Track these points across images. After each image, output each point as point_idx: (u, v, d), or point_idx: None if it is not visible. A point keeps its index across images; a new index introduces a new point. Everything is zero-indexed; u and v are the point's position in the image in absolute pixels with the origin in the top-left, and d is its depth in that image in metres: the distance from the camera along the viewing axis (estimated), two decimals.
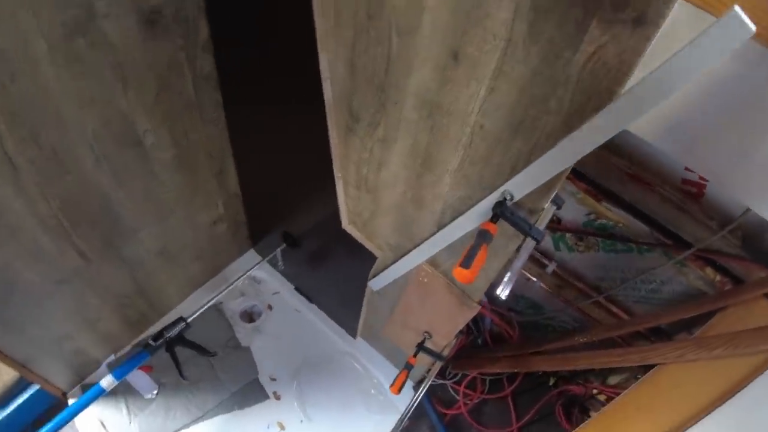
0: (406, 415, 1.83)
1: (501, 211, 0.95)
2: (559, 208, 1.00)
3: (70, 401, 2.03)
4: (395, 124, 1.13)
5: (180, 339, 1.83)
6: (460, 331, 2.43)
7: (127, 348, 2.14)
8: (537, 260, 2.14)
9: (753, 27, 0.60)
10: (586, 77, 0.76)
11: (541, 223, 0.98)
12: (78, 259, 1.59)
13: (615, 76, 0.74)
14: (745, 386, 1.44)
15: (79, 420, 1.97)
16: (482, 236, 0.93)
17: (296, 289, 2.65)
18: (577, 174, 1.74)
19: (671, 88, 0.68)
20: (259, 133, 1.79)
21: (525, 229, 0.95)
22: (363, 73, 1.10)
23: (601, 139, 0.80)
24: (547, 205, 0.99)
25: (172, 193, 1.79)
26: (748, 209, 1.45)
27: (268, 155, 1.86)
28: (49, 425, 1.63)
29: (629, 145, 1.61)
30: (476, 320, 2.55)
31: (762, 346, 1.33)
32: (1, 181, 1.23)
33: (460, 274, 0.88)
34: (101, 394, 1.70)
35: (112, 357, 2.11)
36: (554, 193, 0.96)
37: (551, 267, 2.09)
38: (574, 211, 1.89)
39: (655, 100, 0.70)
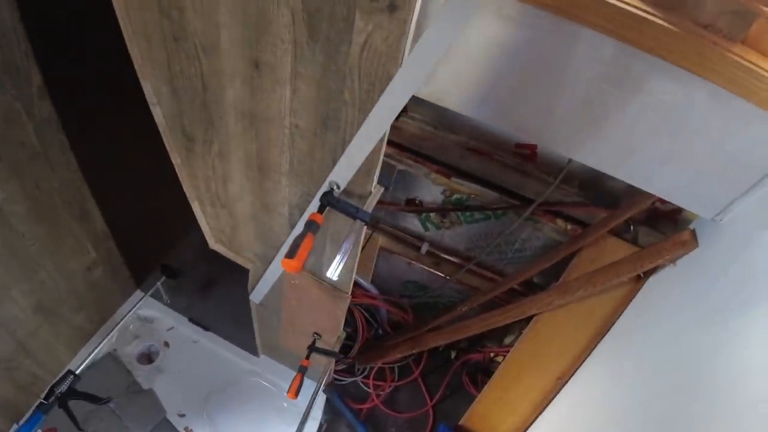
0: (307, 415, 1.86)
1: (327, 201, 1.02)
2: (387, 189, 1.08)
3: None
4: (226, 138, 1.17)
5: (72, 392, 1.76)
6: (358, 327, 2.52)
7: (27, 415, 2.02)
8: (411, 244, 2.25)
9: None
10: (364, 65, 0.85)
11: (369, 206, 1.06)
12: None
13: (387, 60, 0.82)
14: (616, 320, 1.61)
15: None
16: (308, 226, 1.00)
17: (190, 320, 2.61)
18: (425, 157, 1.85)
19: (431, 57, 0.77)
20: (113, 169, 1.76)
21: (352, 213, 1.02)
22: (185, 94, 1.13)
23: (393, 116, 0.89)
24: (374, 188, 1.08)
25: (35, 246, 1.74)
26: (570, 159, 1.62)
27: (128, 189, 1.83)
28: None
29: (463, 122, 1.74)
30: (372, 313, 2.63)
31: (615, 279, 1.47)
32: None
33: (286, 264, 0.93)
34: None
35: (15, 426, 1.99)
36: (375, 176, 1.05)
37: (425, 247, 2.21)
38: (431, 192, 2.02)
39: (422, 70, 0.79)
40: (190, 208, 1.51)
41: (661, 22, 0.89)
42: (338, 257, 1.03)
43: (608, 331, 1.65)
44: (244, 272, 1.70)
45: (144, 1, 0.99)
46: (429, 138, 1.77)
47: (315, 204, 1.11)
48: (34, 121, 1.52)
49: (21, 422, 2.00)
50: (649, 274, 1.50)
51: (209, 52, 1.00)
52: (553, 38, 1.07)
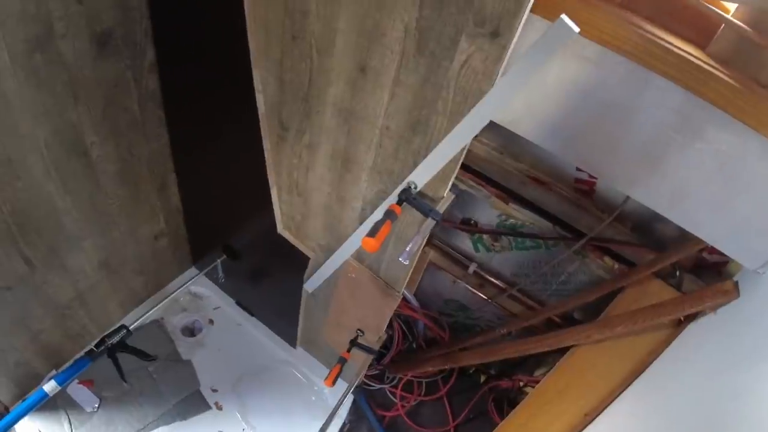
0: (337, 408, 1.96)
1: (406, 197, 1.14)
2: (457, 197, 1.19)
3: None
4: (318, 131, 1.31)
5: (122, 345, 1.89)
6: (394, 337, 2.60)
7: (70, 363, 2.18)
8: (459, 262, 2.34)
9: (576, 29, 0.81)
10: (461, 81, 0.96)
11: (442, 208, 1.17)
12: (23, 265, 1.67)
13: (483, 79, 0.94)
14: (652, 362, 1.65)
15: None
16: (388, 214, 1.11)
17: (237, 303, 2.75)
18: (487, 180, 1.95)
19: (521, 82, 0.88)
20: (199, 149, 1.92)
21: (425, 211, 1.14)
22: (290, 87, 1.27)
23: (478, 128, 1.00)
24: (446, 193, 1.19)
25: (115, 205, 1.90)
26: (628, 197, 1.69)
27: (208, 170, 1.99)
28: None
29: (527, 151, 1.84)
30: (410, 325, 2.71)
31: (656, 320, 1.52)
32: None
33: (366, 243, 1.05)
34: (44, 399, 1.74)
35: (53, 371, 2.14)
36: (450, 182, 1.16)
37: (472, 267, 2.29)
38: (487, 214, 2.11)
39: (511, 93, 0.90)
40: (267, 193, 1.64)
41: (725, 77, 0.99)
42: (411, 243, 1.14)
43: (643, 372, 1.69)
44: (303, 261, 1.83)
45: (273, 5, 1.14)
46: (493, 162, 1.88)
47: (391, 199, 1.23)
48: (140, 91, 1.69)
49: (60, 370, 2.14)
50: (689, 319, 1.54)
51: (322, 53, 1.13)
52: (627, 81, 1.17)
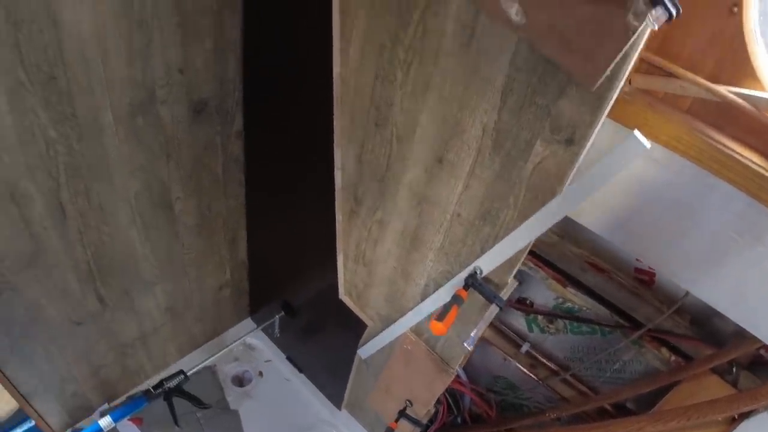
0: None
1: (472, 282, 1.19)
2: (520, 283, 1.24)
3: None
4: (391, 210, 1.39)
5: (179, 390, 1.97)
6: (439, 409, 2.59)
7: (122, 398, 2.27)
8: (512, 340, 2.34)
9: (648, 145, 0.87)
10: (534, 181, 1.03)
11: (505, 295, 1.22)
12: (97, 303, 1.80)
13: (554, 181, 1.00)
14: None
15: None
16: (455, 299, 1.16)
17: (288, 358, 2.81)
18: (546, 262, 1.99)
19: (592, 189, 0.94)
20: (273, 210, 2.04)
21: (490, 297, 1.18)
22: (368, 167, 1.37)
23: (547, 226, 1.06)
24: (510, 279, 1.24)
25: (189, 256, 2.03)
26: (687, 292, 1.69)
27: (278, 230, 2.10)
28: None
29: (588, 238, 1.87)
30: (456, 399, 2.70)
31: (710, 416, 1.49)
32: (50, 225, 1.47)
33: (435, 326, 1.10)
34: None
35: (105, 405, 2.23)
36: (515, 270, 1.21)
37: (525, 347, 2.29)
38: (544, 296, 2.13)
39: (582, 197, 0.96)
40: (333, 258, 1.73)
41: None
42: (476, 330, 1.18)
43: None
44: (359, 328, 1.88)
45: (360, 91, 1.25)
46: (553, 245, 1.92)
47: (456, 282, 1.29)
48: (226, 155, 1.83)
49: (112, 404, 2.22)
50: (743, 417, 1.51)
51: (402, 141, 1.23)
52: (692, 184, 1.21)
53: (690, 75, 1.18)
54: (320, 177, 1.53)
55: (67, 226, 1.51)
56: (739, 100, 1.15)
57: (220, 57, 1.57)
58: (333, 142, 1.40)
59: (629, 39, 0.77)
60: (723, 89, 1.16)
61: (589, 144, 0.95)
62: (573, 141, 0.94)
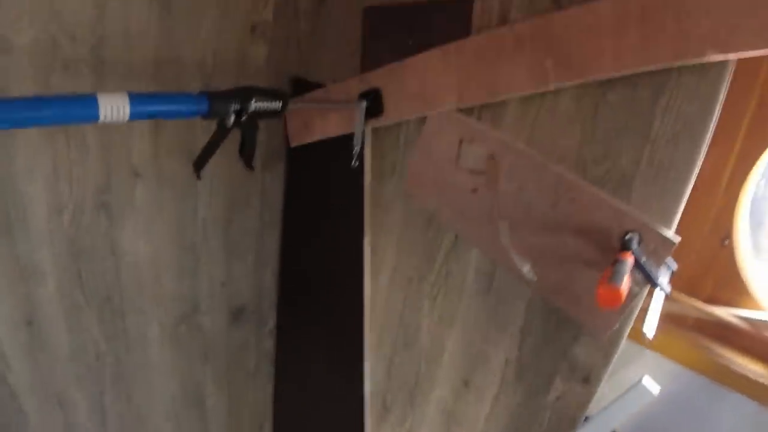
0: None
1: None
2: None
3: None
4: (420, 422, 1.46)
5: None
6: None
7: None
8: None
9: (656, 391, 0.97)
10: (555, 413, 1.12)
11: None
12: None
13: (573, 418, 1.09)
14: None
15: None
16: None
17: None
18: None
19: (605, 428, 1.03)
20: (298, 402, 2.09)
21: None
22: (397, 381, 1.46)
23: None
24: None
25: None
26: None
27: (302, 422, 2.13)
28: None
29: None
30: None
31: None
32: (91, 428, 1.54)
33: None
34: None
35: None
36: None
37: None
38: None
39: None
40: None
41: None
42: None
43: None
44: None
45: (390, 314, 1.39)
46: None
47: None
48: (258, 353, 1.93)
49: None
50: None
51: (430, 363, 1.34)
52: (701, 394, 1.27)
53: (690, 300, 1.31)
54: (348, 379, 1.61)
55: (106, 427, 1.58)
56: (737, 321, 1.27)
57: (259, 268, 1.74)
58: (363, 350, 1.51)
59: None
60: (721, 311, 1.29)
61: (603, 382, 1.05)
62: (589, 380, 1.04)
